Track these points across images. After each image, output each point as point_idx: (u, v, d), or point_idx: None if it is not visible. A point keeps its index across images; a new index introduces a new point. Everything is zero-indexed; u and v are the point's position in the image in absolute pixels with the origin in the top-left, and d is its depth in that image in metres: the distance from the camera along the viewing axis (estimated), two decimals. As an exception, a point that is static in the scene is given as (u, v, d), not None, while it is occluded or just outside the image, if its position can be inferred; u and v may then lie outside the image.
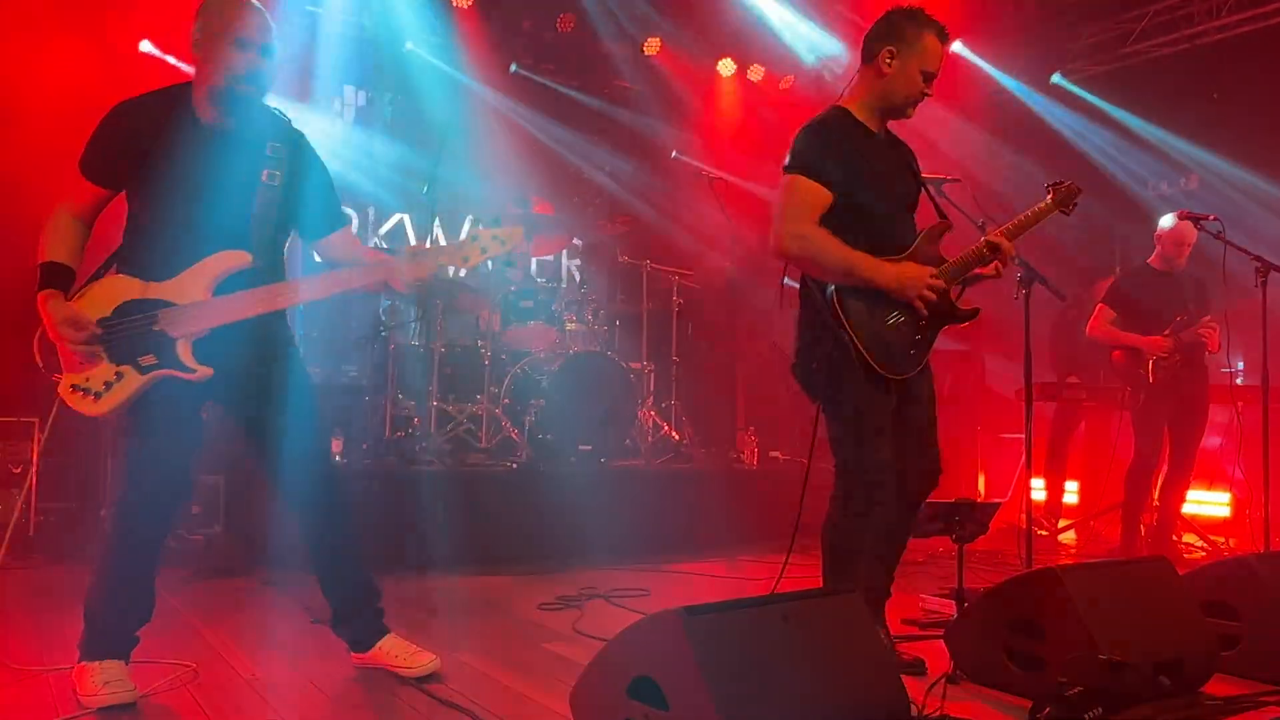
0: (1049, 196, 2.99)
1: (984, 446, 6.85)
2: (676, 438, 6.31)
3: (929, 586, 4.04)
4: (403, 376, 5.86)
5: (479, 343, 5.97)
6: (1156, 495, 5.18)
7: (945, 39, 2.87)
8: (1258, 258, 4.45)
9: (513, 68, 7.80)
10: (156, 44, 6.21)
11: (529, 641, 3.33)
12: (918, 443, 2.91)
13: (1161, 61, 7.33)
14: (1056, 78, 7.82)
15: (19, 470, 4.95)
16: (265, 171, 2.62)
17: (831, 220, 2.77)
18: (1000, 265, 2.87)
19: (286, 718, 2.47)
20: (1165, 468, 5.12)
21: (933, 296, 2.75)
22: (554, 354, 5.79)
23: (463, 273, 7.64)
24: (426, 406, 5.65)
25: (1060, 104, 7.75)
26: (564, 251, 8.04)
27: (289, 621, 3.54)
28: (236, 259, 2.59)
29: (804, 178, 2.76)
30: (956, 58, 7.83)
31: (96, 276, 2.59)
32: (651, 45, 8.00)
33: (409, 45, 7.33)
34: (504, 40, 7.66)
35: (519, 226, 2.77)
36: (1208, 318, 5.00)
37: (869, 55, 2.88)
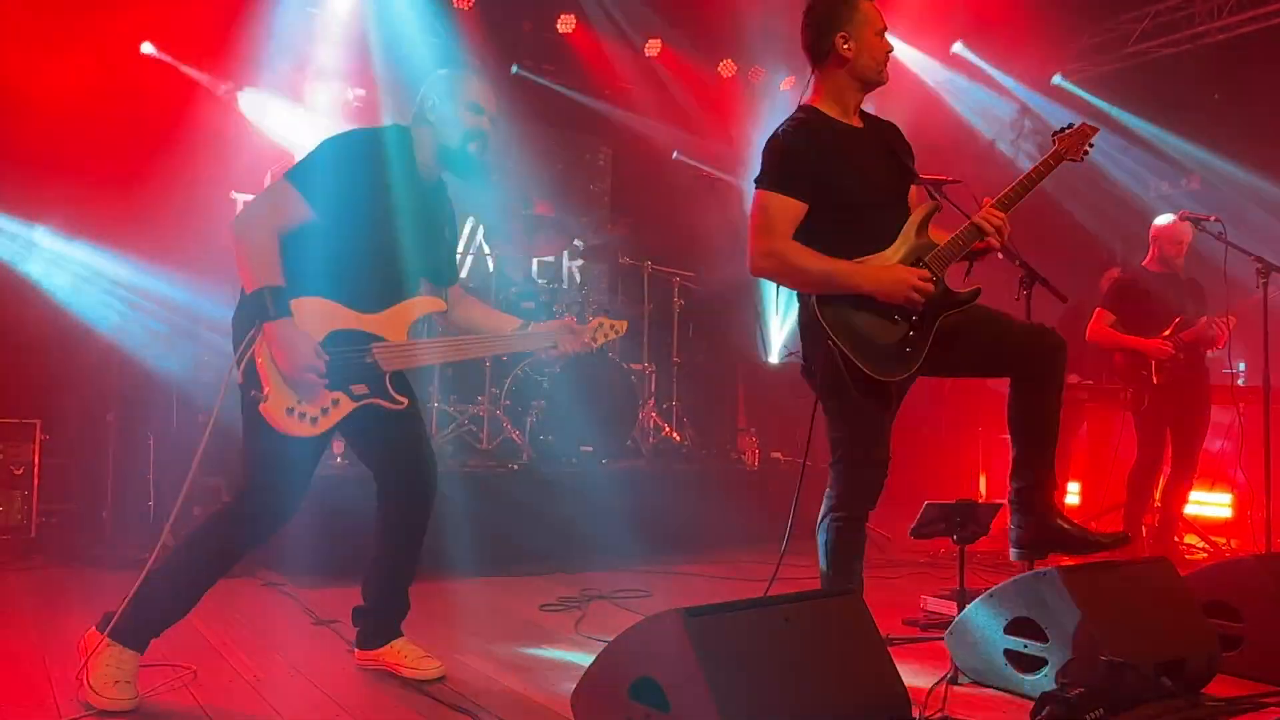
0: (1055, 145, 2.91)
1: (985, 447, 6.84)
2: (677, 439, 6.31)
3: (930, 587, 4.04)
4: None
5: (480, 344, 5.97)
6: (1159, 496, 5.18)
7: None
8: (1259, 259, 4.45)
9: (514, 69, 7.80)
10: (158, 46, 6.22)
11: (530, 642, 3.33)
12: None
13: (1163, 62, 7.32)
14: (1058, 78, 7.81)
15: (20, 472, 4.96)
16: (446, 227, 2.93)
17: (817, 222, 2.71)
18: (998, 238, 2.76)
19: (288, 718, 2.47)
20: (1168, 469, 5.12)
21: (918, 298, 2.66)
22: (554, 355, 5.78)
23: (465, 268, 7.65)
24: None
25: (1062, 105, 7.75)
26: (565, 253, 8.03)
27: (291, 623, 3.54)
28: (435, 305, 2.84)
29: (771, 193, 2.72)
30: (958, 58, 7.83)
31: (293, 291, 2.58)
32: (652, 47, 8.00)
33: (410, 47, 7.33)
34: (505, 41, 7.66)
35: (626, 320, 3.18)
36: (1205, 320, 4.99)
37: (822, 52, 2.83)
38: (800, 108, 2.87)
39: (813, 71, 2.89)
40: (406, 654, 2.85)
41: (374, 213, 2.66)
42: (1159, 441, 5.07)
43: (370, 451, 2.88)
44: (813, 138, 2.76)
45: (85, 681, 2.46)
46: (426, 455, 2.90)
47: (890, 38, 2.89)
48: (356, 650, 2.94)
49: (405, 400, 2.72)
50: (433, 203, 2.85)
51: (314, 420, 2.57)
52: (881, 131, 2.94)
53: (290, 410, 2.54)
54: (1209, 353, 5.11)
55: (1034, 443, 2.79)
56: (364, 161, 2.66)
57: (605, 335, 3.08)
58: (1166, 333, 5.01)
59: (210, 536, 2.63)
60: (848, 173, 2.76)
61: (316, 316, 2.59)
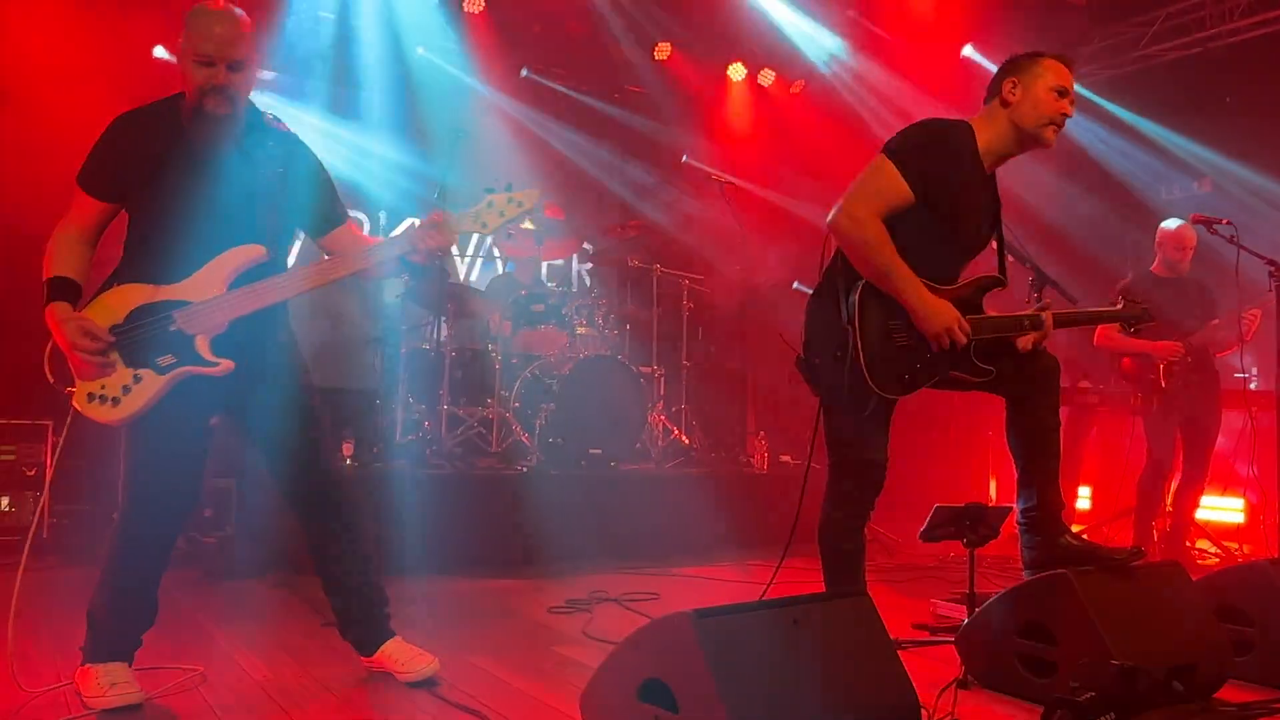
0: (1118, 305, 3.01)
1: (995, 450, 6.82)
2: (686, 442, 6.31)
3: (940, 591, 4.03)
4: (414, 380, 5.88)
5: (490, 347, 5.99)
6: (1170, 500, 5.15)
7: (1067, 62, 2.84)
8: (1271, 261, 4.43)
9: (524, 72, 7.82)
10: (171, 49, 6.25)
11: (539, 644, 3.33)
12: None
13: (1174, 65, 7.30)
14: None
15: (33, 473, 4.98)
16: (265, 173, 2.63)
17: (903, 223, 2.70)
18: (1036, 340, 2.80)
19: (295, 719, 2.47)
20: (1179, 473, 5.09)
21: (946, 342, 2.68)
22: (564, 358, 5.79)
23: (475, 271, 7.67)
24: (437, 410, 5.66)
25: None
26: (574, 256, 8.05)
27: (300, 624, 3.55)
28: (253, 252, 2.60)
29: (894, 165, 2.69)
30: (968, 62, 7.82)
31: (103, 290, 2.58)
32: (662, 50, 8.01)
33: (420, 50, 7.37)
34: (515, 45, 7.68)
35: (534, 189, 2.70)
36: (1215, 322, 4.96)
37: (992, 93, 2.87)
38: (962, 121, 2.87)
39: (983, 109, 2.91)
40: (398, 656, 2.80)
41: (152, 184, 2.53)
42: (1167, 445, 5.04)
43: (254, 452, 2.76)
44: (958, 150, 2.78)
45: (82, 701, 2.49)
46: (312, 467, 2.75)
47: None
48: (360, 658, 2.90)
49: (222, 361, 2.53)
50: (236, 158, 2.59)
51: (115, 401, 2.49)
52: (995, 194, 2.94)
53: (91, 396, 2.49)
54: (1219, 356, 5.07)
55: (1035, 462, 2.83)
56: (132, 138, 2.56)
57: (502, 214, 2.63)
58: (1175, 337, 4.98)
59: (120, 541, 2.60)
60: (961, 204, 2.77)
61: (119, 302, 2.53)
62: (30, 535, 2.71)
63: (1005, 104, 2.82)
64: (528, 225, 2.56)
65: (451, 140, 6.00)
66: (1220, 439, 5.16)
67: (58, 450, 2.62)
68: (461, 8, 7.30)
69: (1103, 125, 7.53)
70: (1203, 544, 5.55)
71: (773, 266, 7.48)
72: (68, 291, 2.52)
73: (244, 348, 2.59)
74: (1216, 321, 4.98)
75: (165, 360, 2.52)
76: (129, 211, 2.61)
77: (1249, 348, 4.96)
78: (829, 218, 2.73)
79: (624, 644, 2.18)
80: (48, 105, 5.41)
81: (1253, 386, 5.75)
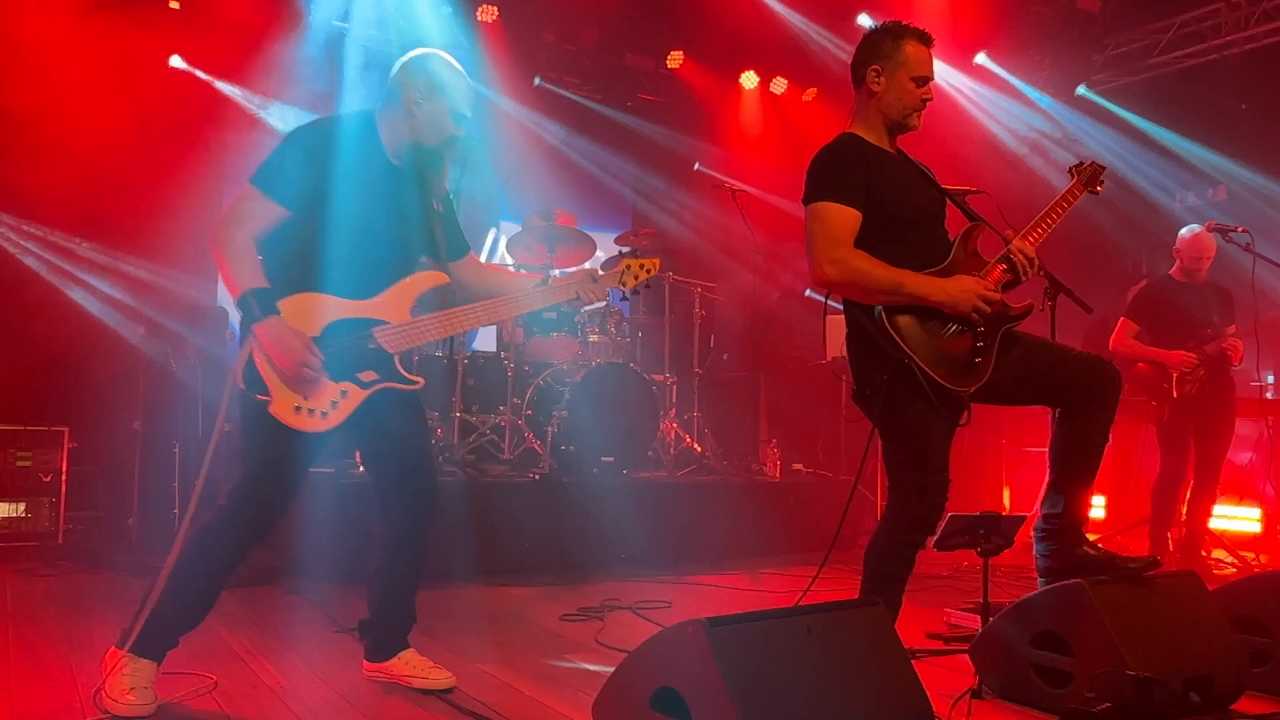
0: (1073, 180, 2.96)
1: (1009, 460, 6.79)
2: (699, 450, 6.30)
3: (953, 600, 4.01)
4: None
5: (502, 354, 6.00)
6: (1184, 510, 5.11)
7: (927, 42, 2.86)
8: (1288, 269, 4.40)
9: (537, 81, 7.85)
10: (187, 59, 6.31)
11: (551, 652, 3.33)
12: None
13: (1189, 73, 7.27)
14: (1082, 89, 7.77)
15: (49, 479, 5.02)
16: (435, 201, 2.81)
17: (868, 235, 2.72)
18: (1027, 271, 2.79)
19: (310, 726, 2.48)
20: (1192, 482, 5.06)
21: (987, 309, 2.68)
22: (576, 365, 5.80)
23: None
24: (450, 417, 5.68)
25: (1086, 115, 7.70)
26: (586, 263, 8.06)
27: (314, 631, 3.56)
28: (437, 279, 2.77)
29: (828, 203, 2.71)
30: (981, 69, 7.81)
31: (282, 295, 2.57)
32: (674, 58, 8.03)
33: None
34: (528, 54, 7.72)
35: (658, 258, 2.99)
36: (1232, 329, 4.94)
37: (858, 79, 2.89)
38: (842, 134, 2.90)
39: (855, 98, 2.94)
40: (415, 666, 2.82)
41: (344, 199, 2.59)
42: (1180, 454, 5.00)
43: (374, 455, 2.84)
44: (859, 154, 2.80)
45: (102, 692, 2.49)
46: (428, 466, 2.86)
47: None
48: (364, 662, 2.91)
49: (420, 380, 2.70)
50: (406, 182, 2.75)
51: (324, 414, 2.56)
52: (911, 160, 2.97)
53: (298, 408, 2.54)
54: (1234, 365, 5.04)
55: (1075, 473, 2.80)
56: (324, 151, 2.60)
57: (636, 277, 2.90)
58: (1190, 345, 4.95)
59: (209, 543, 2.61)
60: (894, 188, 2.79)
61: (310, 312, 2.56)
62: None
63: (871, 94, 2.85)
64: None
65: (464, 149, 6.00)
66: (1237, 448, 5.13)
67: (206, 458, 2.60)
68: (475, 17, 7.34)
69: (1117, 132, 7.50)
70: (1219, 554, 5.51)
71: (785, 274, 7.48)
72: (274, 304, 2.53)
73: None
74: (1233, 329, 4.95)
75: (368, 376, 2.63)
76: (307, 220, 2.59)
77: (1266, 355, 4.93)
78: (813, 279, 2.76)
79: (636, 652, 2.18)
80: (64, 115, 5.46)
81: (1269, 396, 5.71)
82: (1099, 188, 2.99)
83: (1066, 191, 2.94)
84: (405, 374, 2.68)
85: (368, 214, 2.62)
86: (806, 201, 2.77)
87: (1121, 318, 5.18)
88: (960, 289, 2.67)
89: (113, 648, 2.56)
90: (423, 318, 2.70)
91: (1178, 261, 5.11)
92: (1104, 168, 2.99)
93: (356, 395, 2.61)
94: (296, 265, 2.59)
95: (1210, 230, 4.88)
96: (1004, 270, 2.79)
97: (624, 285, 2.90)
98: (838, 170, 2.76)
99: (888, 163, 2.85)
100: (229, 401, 2.60)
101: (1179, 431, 5.00)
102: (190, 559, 2.59)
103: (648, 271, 2.92)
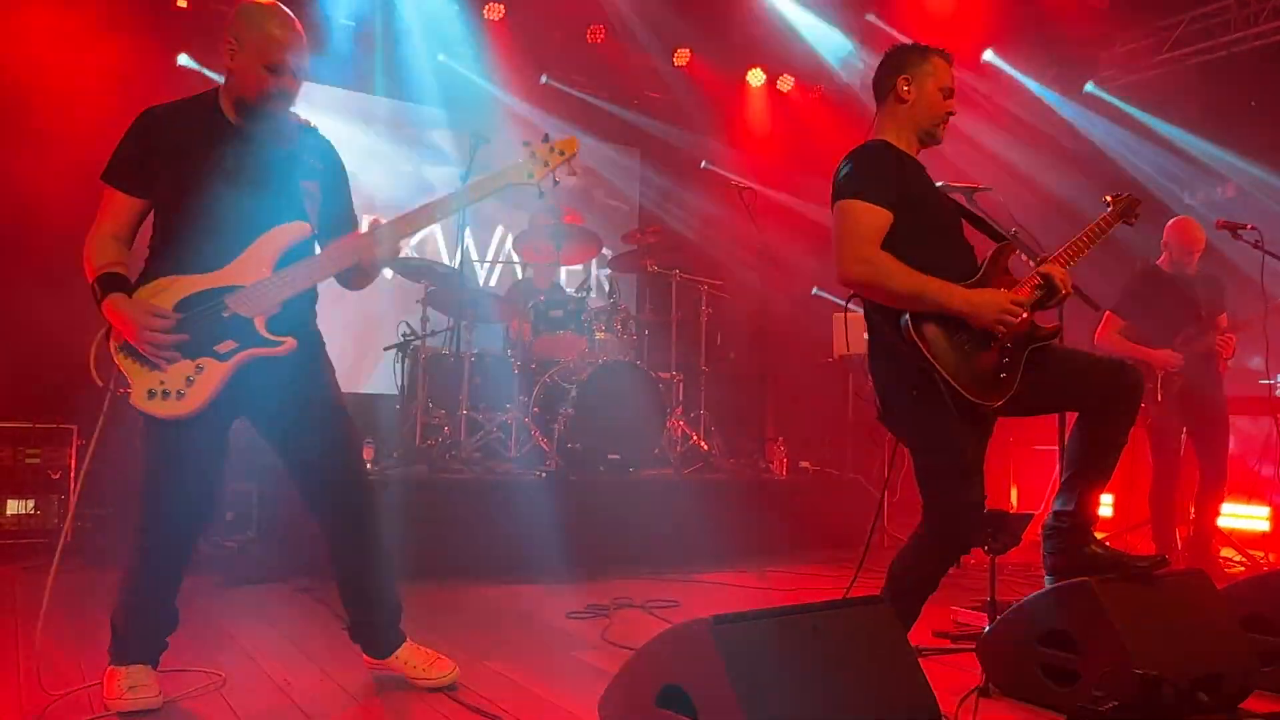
0: (1110, 208, 2.97)
1: (1017, 458, 6.78)
2: (705, 447, 6.30)
3: (961, 598, 4.00)
4: (433, 385, 5.90)
5: (509, 352, 6.00)
6: (1192, 508, 5.07)
7: (949, 60, 2.91)
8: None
9: (543, 79, 7.85)
10: (195, 58, 6.32)
11: (558, 649, 3.34)
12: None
13: (1198, 69, 7.24)
14: (1090, 86, 7.74)
15: (58, 476, 5.04)
16: (304, 181, 2.65)
17: (890, 244, 2.70)
18: (1064, 289, 2.79)
19: (318, 723, 2.49)
20: (1198, 481, 5.00)
21: (1013, 320, 2.66)
22: (583, 363, 5.80)
23: (494, 276, 7.69)
24: (456, 415, 5.68)
25: (1095, 113, 7.67)
26: (593, 261, 8.06)
27: (322, 628, 3.57)
28: (297, 230, 2.58)
29: (859, 201, 2.69)
30: (988, 67, 7.79)
31: (138, 286, 2.53)
32: (681, 56, 8.03)
33: (441, 57, 7.41)
34: (534, 52, 7.72)
35: (572, 136, 2.74)
36: (1222, 319, 4.87)
37: (884, 90, 2.92)
38: (871, 139, 2.90)
39: (877, 111, 2.96)
40: (414, 661, 2.79)
41: (186, 173, 2.49)
42: (1169, 455, 4.91)
43: (276, 442, 2.68)
44: (889, 158, 2.80)
45: (105, 701, 2.50)
46: (338, 447, 2.69)
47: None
48: (364, 658, 2.87)
49: (284, 339, 2.52)
50: (250, 145, 2.58)
51: (180, 394, 2.43)
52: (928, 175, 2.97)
53: (152, 393, 2.43)
54: (1226, 357, 4.96)
55: (1090, 473, 2.78)
56: (163, 128, 2.53)
57: (545, 163, 2.66)
58: (1177, 341, 4.86)
59: (138, 551, 2.58)
60: (923, 195, 2.80)
61: (162, 296, 2.47)
62: (63, 540, 2.66)
63: (902, 101, 2.87)
64: (570, 176, 2.52)
65: (471, 146, 6.03)
66: (1244, 446, 5.08)
67: (87, 454, 2.59)
68: (482, 15, 7.34)
69: (1125, 129, 7.48)
70: (1228, 552, 5.48)
71: (792, 272, 7.47)
72: (121, 283, 2.47)
73: (293, 333, 2.56)
74: (1223, 318, 4.89)
75: (225, 346, 2.48)
76: (159, 207, 2.56)
77: (1276, 353, 4.89)
78: (840, 276, 2.73)
79: (643, 650, 2.18)
80: (70, 117, 5.48)
81: (1279, 394, 5.67)
82: (1133, 219, 2.99)
83: (1101, 219, 2.95)
84: (270, 336, 2.50)
85: (210, 182, 2.50)
86: (836, 199, 2.75)
87: (1107, 311, 5.03)
88: (984, 300, 2.66)
89: (107, 669, 2.57)
90: (286, 269, 2.54)
91: (1166, 253, 5.02)
92: (1140, 200, 2.98)
93: (216, 369, 2.45)
94: (156, 255, 2.55)
95: (1219, 228, 4.83)
96: (1035, 288, 2.77)
97: (531, 176, 2.67)
98: (871, 170, 2.75)
99: (917, 171, 2.87)
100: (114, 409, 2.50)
101: (1167, 433, 4.91)
102: (135, 572, 2.58)
103: (560, 154, 2.69)
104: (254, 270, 2.52)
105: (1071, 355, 2.83)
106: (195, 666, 2.85)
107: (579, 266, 7.98)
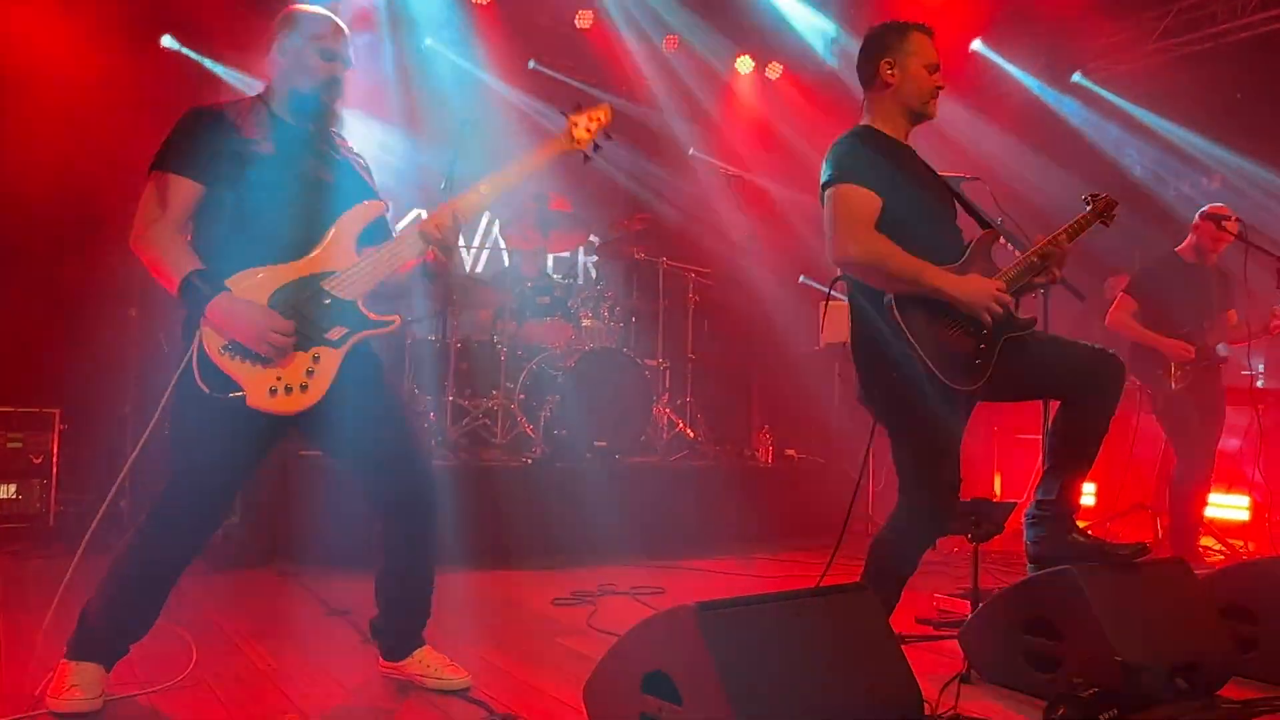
0: (1088, 207, 2.98)
1: (1000, 446, 6.81)
2: (691, 435, 6.31)
3: (944, 586, 4.03)
4: (419, 371, 5.89)
5: (495, 338, 5.99)
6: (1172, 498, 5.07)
7: (929, 33, 2.90)
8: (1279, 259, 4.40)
9: (530, 64, 7.81)
10: (179, 39, 6.25)
11: (543, 635, 3.34)
12: None
13: (1184, 60, 7.25)
14: (1077, 76, 7.75)
15: (40, 460, 5.00)
16: (357, 161, 2.72)
17: (884, 227, 2.70)
18: (1056, 272, 2.82)
19: (302, 708, 2.48)
20: (1183, 469, 5.00)
21: (1000, 310, 2.67)
22: (570, 350, 5.80)
23: (481, 263, 7.66)
24: (442, 401, 5.67)
25: (1081, 103, 7.69)
26: (580, 248, 8.04)
27: (306, 613, 3.56)
28: (373, 209, 2.58)
29: (853, 185, 2.70)
30: (976, 56, 7.79)
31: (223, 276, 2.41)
32: (669, 43, 8.00)
33: (428, 41, 7.36)
34: (522, 36, 7.67)
35: (606, 104, 2.80)
36: (1232, 315, 4.89)
37: (869, 77, 2.91)
38: (859, 126, 2.91)
39: (865, 97, 2.96)
40: (430, 664, 2.71)
41: (250, 166, 2.46)
42: (1190, 440, 4.83)
43: (349, 442, 2.60)
44: (877, 144, 2.82)
45: (45, 694, 2.39)
46: (416, 447, 2.70)
47: None
48: (380, 660, 2.80)
49: (396, 318, 2.54)
50: (302, 138, 2.59)
51: (304, 388, 2.39)
52: (926, 163, 2.97)
53: (273, 390, 2.36)
54: (1231, 345, 4.97)
55: (1073, 462, 2.80)
56: (218, 123, 2.49)
57: (588, 129, 2.75)
58: (1186, 331, 4.86)
59: (140, 552, 2.46)
60: (911, 181, 2.81)
61: (254, 288, 2.39)
62: (91, 529, 2.49)
63: (887, 85, 2.87)
64: (607, 140, 2.61)
65: (458, 131, 5.99)
66: (1227, 437, 5.10)
67: (136, 449, 2.46)
68: (469, 0, 7.29)
69: (1111, 120, 7.49)
70: (1207, 541, 5.53)
71: (779, 260, 7.48)
72: (221, 280, 2.36)
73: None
74: (1233, 315, 4.90)
75: (336, 333, 2.45)
76: (217, 197, 2.47)
77: (1257, 345, 4.91)
78: (834, 258, 2.74)
79: (628, 636, 2.18)
80: (54, 94, 5.42)
81: (1259, 384, 5.72)
82: (1110, 221, 3.00)
83: (1079, 218, 2.94)
84: (375, 317, 2.51)
85: (278, 174, 2.48)
86: (827, 184, 2.76)
87: (1121, 294, 4.99)
88: (975, 288, 2.68)
89: (60, 661, 2.46)
90: (371, 250, 2.53)
91: (1193, 238, 4.92)
92: (1117, 202, 2.99)
93: (332, 357, 2.43)
94: (227, 247, 2.43)
95: (1204, 217, 4.83)
96: (1023, 269, 2.79)
97: (579, 143, 2.74)
98: (861, 156, 2.76)
99: (906, 155, 2.88)
100: (179, 407, 2.42)
101: (1185, 422, 4.84)
102: (130, 574, 2.47)
103: (599, 120, 2.76)
104: (342, 253, 2.50)
105: (1054, 342, 2.85)
106: (172, 658, 2.83)
107: (566, 253, 7.97)
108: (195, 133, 2.47)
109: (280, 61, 2.58)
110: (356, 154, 2.77)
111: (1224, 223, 4.69)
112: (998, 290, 2.69)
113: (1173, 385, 4.84)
